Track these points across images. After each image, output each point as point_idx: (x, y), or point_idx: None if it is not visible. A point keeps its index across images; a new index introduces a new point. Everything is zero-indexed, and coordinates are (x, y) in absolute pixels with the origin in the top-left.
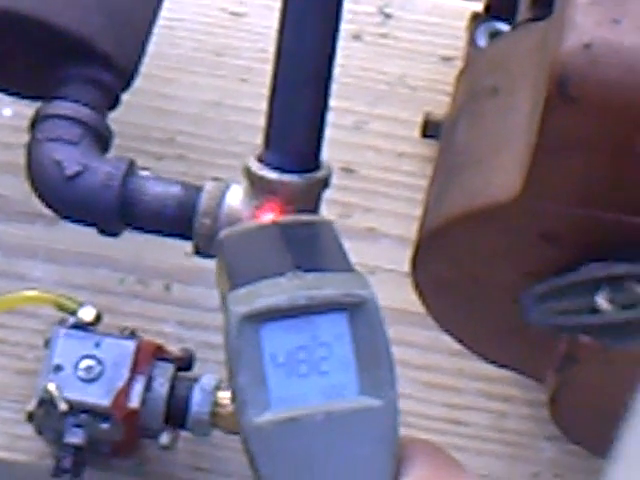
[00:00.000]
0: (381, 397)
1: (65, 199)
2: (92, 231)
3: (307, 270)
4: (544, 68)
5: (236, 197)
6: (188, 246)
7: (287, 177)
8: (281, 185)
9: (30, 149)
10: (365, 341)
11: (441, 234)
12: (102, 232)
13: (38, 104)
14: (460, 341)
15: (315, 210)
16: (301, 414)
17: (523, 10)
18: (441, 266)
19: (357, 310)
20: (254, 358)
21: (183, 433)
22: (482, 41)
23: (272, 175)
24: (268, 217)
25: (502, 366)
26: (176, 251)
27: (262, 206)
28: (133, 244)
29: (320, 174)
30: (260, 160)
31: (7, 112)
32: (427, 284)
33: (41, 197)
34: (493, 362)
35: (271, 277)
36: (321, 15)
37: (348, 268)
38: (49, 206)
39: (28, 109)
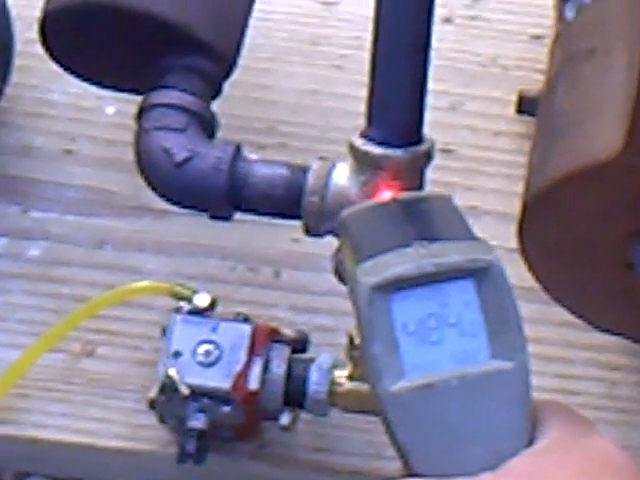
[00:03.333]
0: (512, 360)
1: (176, 185)
2: (200, 222)
3: (432, 240)
4: (638, 26)
5: (342, 174)
6: (296, 232)
7: (392, 151)
8: (386, 159)
9: (138, 139)
10: (493, 305)
11: (547, 195)
12: (213, 217)
13: (139, 101)
14: (569, 308)
15: (420, 184)
16: (435, 380)
17: None
18: (548, 229)
19: (483, 275)
20: (386, 327)
21: (302, 415)
22: (570, 16)
23: (377, 150)
24: (387, 194)
25: (612, 333)
26: (284, 238)
27: (368, 182)
28: (241, 233)
29: (424, 147)
30: (364, 136)
31: (110, 110)
32: (535, 250)
33: (152, 185)
34: (603, 329)
35: (397, 248)
36: None
37: (471, 236)
38: (160, 194)
39: (131, 106)
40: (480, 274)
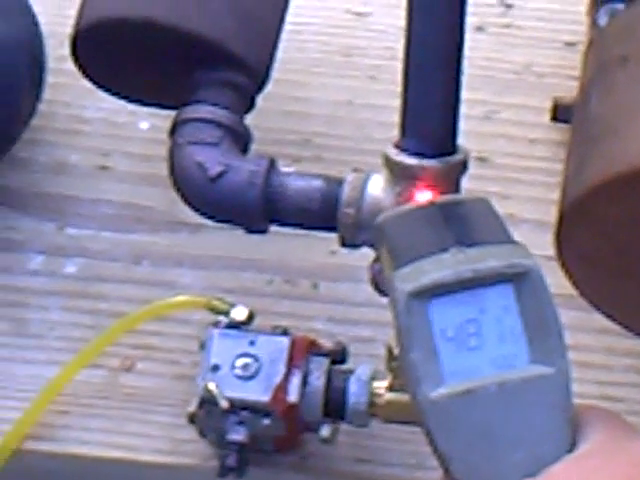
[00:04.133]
0: (552, 365)
1: (210, 200)
2: (236, 236)
3: (469, 245)
4: None
5: (377, 186)
6: (332, 244)
7: (426, 162)
8: (421, 170)
9: (172, 153)
10: (532, 310)
11: (583, 203)
12: (249, 231)
13: (173, 116)
14: (608, 315)
15: (456, 193)
16: (475, 386)
17: None
18: (585, 237)
19: (522, 280)
20: (424, 334)
21: (342, 426)
22: (604, 23)
23: (411, 161)
24: (425, 198)
25: None
26: (321, 250)
27: (403, 192)
28: (278, 245)
29: (458, 157)
30: (398, 147)
31: (144, 125)
32: (572, 258)
33: (186, 200)
34: None
35: (434, 254)
36: (447, 1)
37: (509, 239)
38: (195, 208)
39: (164, 121)
40: (519, 279)
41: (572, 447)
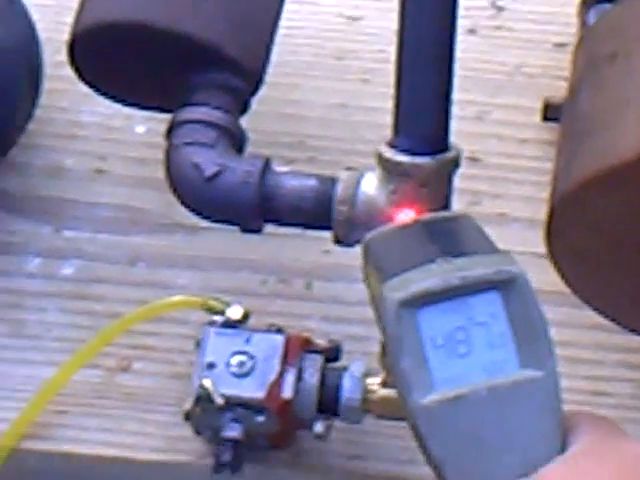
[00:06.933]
0: (541, 368)
1: (206, 200)
2: (231, 237)
3: (456, 255)
4: None
5: (371, 184)
6: (326, 244)
7: (419, 159)
8: (414, 167)
9: (169, 155)
10: (520, 316)
11: (573, 198)
12: (244, 230)
13: (169, 119)
14: (599, 310)
15: (448, 192)
16: (465, 392)
17: None
18: (575, 232)
19: (509, 287)
20: (414, 342)
21: (336, 423)
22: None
23: (404, 158)
24: (409, 216)
25: None
26: (314, 249)
27: (397, 190)
28: (272, 246)
29: (450, 154)
30: (391, 145)
31: (140, 129)
32: (563, 253)
33: (182, 200)
34: (633, 331)
35: (422, 265)
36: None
37: (494, 249)
38: (191, 208)
39: (160, 125)
40: (506, 285)
41: (562, 449)
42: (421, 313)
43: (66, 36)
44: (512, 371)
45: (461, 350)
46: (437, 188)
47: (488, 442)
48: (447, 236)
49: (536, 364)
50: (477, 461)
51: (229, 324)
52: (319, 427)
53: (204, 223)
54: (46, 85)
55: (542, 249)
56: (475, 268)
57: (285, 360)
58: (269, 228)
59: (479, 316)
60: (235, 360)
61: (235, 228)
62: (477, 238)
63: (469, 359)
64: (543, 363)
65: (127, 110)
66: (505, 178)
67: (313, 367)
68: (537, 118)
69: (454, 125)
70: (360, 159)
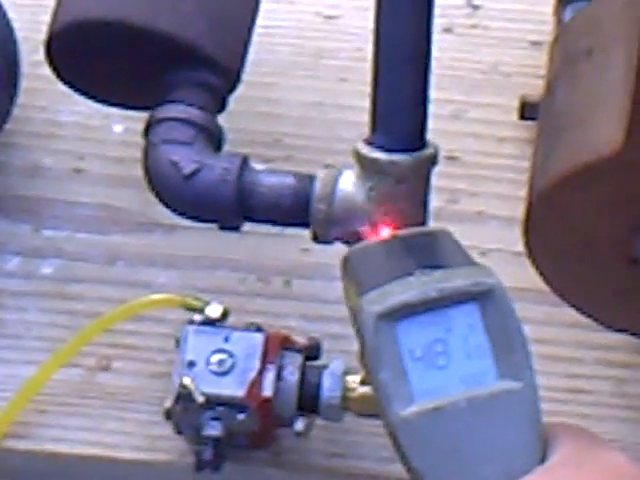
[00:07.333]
0: (520, 379)
1: (184, 198)
2: (209, 235)
3: (433, 268)
4: (635, 24)
5: (348, 181)
6: (304, 242)
7: (396, 156)
8: (391, 165)
9: (146, 153)
10: (498, 327)
11: (550, 194)
12: (223, 228)
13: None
14: (577, 308)
15: (426, 190)
16: (445, 403)
17: None
18: (553, 229)
19: (487, 298)
20: (393, 355)
21: (317, 422)
22: None
23: (381, 155)
24: (386, 232)
25: (621, 331)
26: (293, 248)
27: (374, 187)
28: (251, 244)
29: (427, 152)
30: (369, 143)
31: (118, 128)
32: (541, 250)
33: (161, 198)
34: (612, 328)
35: (400, 278)
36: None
37: (471, 262)
38: (169, 206)
39: (138, 124)
40: (483, 297)
41: (542, 460)
42: (399, 325)
43: (43, 35)
44: (491, 382)
45: (440, 362)
46: (415, 185)
47: (467, 453)
48: (425, 250)
49: (514, 375)
50: (457, 472)
51: (208, 322)
52: (299, 425)
53: (183, 222)
54: (24, 84)
55: (520, 247)
56: (453, 280)
57: (265, 358)
58: (247, 226)
59: (457, 328)
60: (215, 358)
61: (214, 227)
62: (455, 251)
63: (448, 371)
64: (521, 374)
65: (105, 109)
66: (483, 176)
67: (293, 365)
68: (514, 116)
69: (431, 124)
70: (338, 157)
